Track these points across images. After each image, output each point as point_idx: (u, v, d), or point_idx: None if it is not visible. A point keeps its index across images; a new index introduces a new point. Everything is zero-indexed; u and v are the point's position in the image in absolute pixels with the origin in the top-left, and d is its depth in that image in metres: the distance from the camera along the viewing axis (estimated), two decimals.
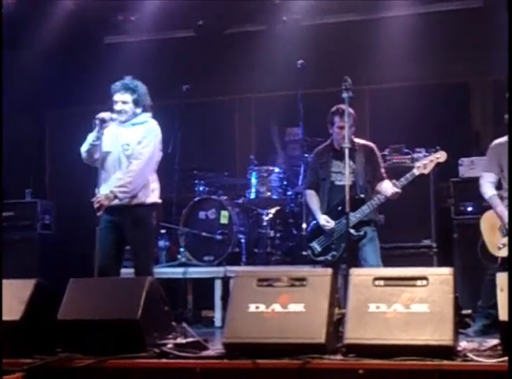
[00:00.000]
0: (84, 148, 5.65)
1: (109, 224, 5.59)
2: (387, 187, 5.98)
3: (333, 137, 6.18)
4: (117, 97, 5.66)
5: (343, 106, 5.81)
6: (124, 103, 5.63)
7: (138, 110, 5.68)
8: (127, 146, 5.58)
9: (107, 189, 5.52)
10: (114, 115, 5.61)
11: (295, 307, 4.15)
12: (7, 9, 8.34)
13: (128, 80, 5.73)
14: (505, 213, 5.75)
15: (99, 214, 5.46)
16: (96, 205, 5.44)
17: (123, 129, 5.66)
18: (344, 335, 4.03)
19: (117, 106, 5.63)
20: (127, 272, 6.05)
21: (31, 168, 6.96)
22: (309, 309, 4.12)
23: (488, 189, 5.91)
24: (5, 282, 4.73)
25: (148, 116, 5.74)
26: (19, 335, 4.40)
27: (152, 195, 5.68)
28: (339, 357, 4.01)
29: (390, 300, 4.02)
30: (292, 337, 4.05)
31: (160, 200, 5.77)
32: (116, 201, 5.50)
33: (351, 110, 5.77)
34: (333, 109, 6.11)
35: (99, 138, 5.52)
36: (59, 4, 8.29)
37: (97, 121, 5.53)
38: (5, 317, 4.44)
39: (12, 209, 7.74)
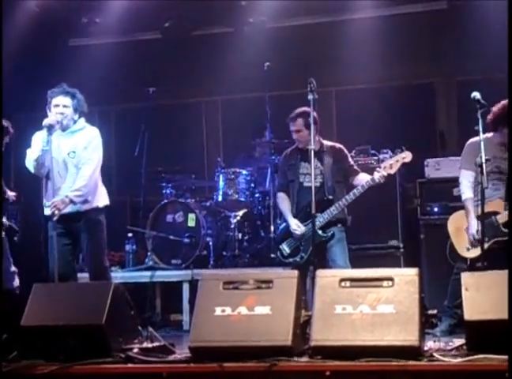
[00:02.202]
0: (33, 157, 5.59)
1: (62, 231, 5.61)
2: (364, 177, 6.01)
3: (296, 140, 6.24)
4: (58, 100, 5.70)
5: (298, 110, 5.99)
6: (65, 106, 5.68)
7: (76, 117, 5.74)
8: (73, 154, 5.63)
9: (55, 196, 5.52)
10: (60, 117, 5.60)
11: (262, 310, 4.13)
12: None
13: (65, 86, 5.78)
14: (472, 223, 5.78)
15: (55, 219, 5.46)
16: (51, 210, 5.45)
17: (64, 138, 5.68)
18: (311, 337, 4.02)
19: (59, 110, 5.66)
20: (84, 276, 6.02)
21: None
22: (275, 312, 4.10)
23: (466, 191, 5.92)
24: None
25: (84, 121, 5.80)
26: None
27: (102, 198, 5.77)
28: (306, 359, 4.00)
29: (356, 301, 4.02)
30: (259, 340, 4.03)
31: (108, 203, 5.82)
32: (68, 209, 5.53)
33: (313, 113, 5.79)
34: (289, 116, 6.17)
35: (48, 144, 5.49)
36: (23, 6, 8.19)
37: (45, 128, 5.51)
38: None
39: None
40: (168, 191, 7.88)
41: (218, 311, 4.18)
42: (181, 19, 8.62)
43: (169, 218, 7.66)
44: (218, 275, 4.71)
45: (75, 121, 5.73)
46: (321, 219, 5.88)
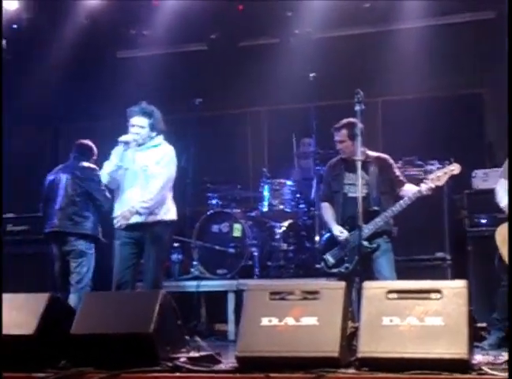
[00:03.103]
0: (107, 171, 5.89)
1: (129, 240, 5.85)
2: (410, 188, 5.97)
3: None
4: (134, 121, 5.90)
5: (342, 121, 6.03)
6: (141, 127, 5.88)
7: (153, 134, 5.94)
8: (145, 167, 5.85)
9: (123, 207, 5.80)
10: (136, 136, 5.84)
11: (308, 320, 4.13)
12: (22, 25, 8.43)
13: (144, 104, 5.95)
14: None
15: (118, 226, 5.76)
16: (118, 220, 5.75)
17: (139, 153, 5.90)
18: (358, 348, 4.00)
19: (134, 130, 5.88)
20: (140, 285, 6.12)
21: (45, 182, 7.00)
22: (322, 323, 4.10)
23: (504, 197, 5.85)
24: (19, 296, 4.76)
25: (161, 139, 6.00)
26: (32, 349, 4.41)
27: (169, 213, 5.95)
28: (352, 370, 3.98)
29: (404, 313, 3.99)
30: (305, 351, 4.03)
31: (176, 218, 6.03)
32: (134, 219, 5.76)
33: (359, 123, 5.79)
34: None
35: (122, 160, 5.79)
36: (73, 19, 8.34)
37: (121, 144, 5.80)
38: (18, 331, 4.46)
39: (26, 223, 7.77)
40: (214, 201, 7.92)
41: (265, 321, 4.18)
42: (227, 31, 8.68)
43: (215, 228, 7.70)
44: (264, 286, 4.72)
45: (152, 138, 5.93)
46: (366, 230, 5.84)
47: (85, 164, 6.78)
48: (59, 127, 9.79)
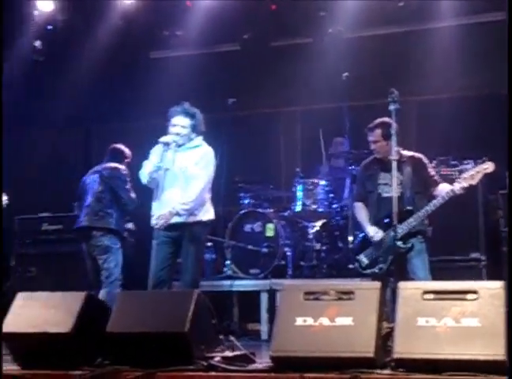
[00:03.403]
0: (146, 171, 5.88)
1: (167, 239, 5.86)
2: (444, 188, 5.93)
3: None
4: (176, 121, 5.91)
5: (376, 121, 6.01)
6: (183, 127, 5.89)
7: (193, 136, 5.96)
8: (185, 169, 5.85)
9: (162, 207, 5.79)
10: (176, 137, 5.84)
11: (343, 321, 4.11)
12: (57, 26, 8.53)
13: (187, 105, 5.98)
14: None
15: (158, 227, 5.76)
16: (158, 221, 5.75)
17: (179, 153, 5.90)
18: (393, 349, 3.97)
19: (175, 129, 5.89)
20: (177, 284, 6.21)
21: (79, 182, 7.08)
22: (357, 323, 4.07)
23: None
24: (55, 294, 4.81)
25: (201, 140, 6.02)
26: (69, 347, 4.45)
27: (208, 213, 5.98)
28: (388, 371, 3.95)
29: (440, 314, 3.96)
30: (340, 351, 4.01)
31: (213, 218, 6.06)
32: (174, 219, 5.77)
33: (393, 123, 5.76)
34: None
35: (162, 160, 5.79)
36: (107, 20, 8.42)
37: (161, 144, 5.81)
38: (55, 330, 4.50)
39: (60, 223, 7.85)
40: (246, 201, 7.94)
41: (299, 321, 4.18)
42: (260, 31, 8.69)
43: (247, 228, 7.72)
44: (299, 286, 4.71)
45: (191, 139, 5.95)
46: (400, 230, 5.80)
47: (112, 165, 6.95)
48: (92, 128, 9.87)
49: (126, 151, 7.09)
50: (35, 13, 8.46)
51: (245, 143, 8.91)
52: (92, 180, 6.95)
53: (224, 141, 7.71)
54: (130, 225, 7.40)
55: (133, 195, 6.78)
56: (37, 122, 8.83)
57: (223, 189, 7.81)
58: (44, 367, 4.43)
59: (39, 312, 4.63)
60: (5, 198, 6.21)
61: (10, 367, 4.58)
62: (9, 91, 8.32)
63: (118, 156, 7.06)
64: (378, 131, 6.02)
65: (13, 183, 7.36)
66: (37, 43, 8.69)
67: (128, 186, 6.79)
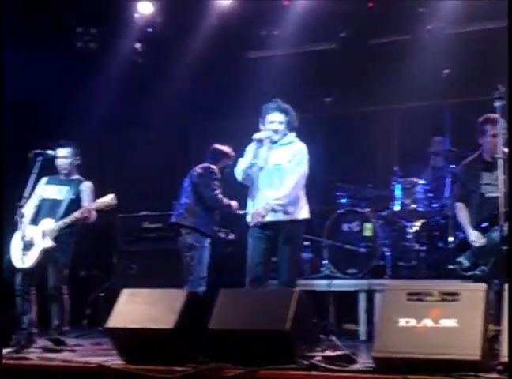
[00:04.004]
0: (240, 168, 5.90)
1: (262, 235, 5.85)
2: None
3: (484, 148, 5.97)
4: (274, 117, 5.90)
5: (493, 115, 5.65)
6: (280, 123, 5.88)
7: (287, 132, 5.94)
8: (278, 165, 5.84)
9: (256, 204, 5.82)
10: (269, 133, 5.82)
11: (448, 322, 4.03)
12: (156, 28, 8.70)
13: (280, 102, 5.96)
14: None
15: (253, 224, 5.77)
16: (254, 218, 5.75)
17: (273, 150, 5.89)
18: (501, 352, 3.87)
19: (273, 126, 5.88)
20: (274, 283, 6.14)
21: (179, 181, 7.21)
22: (462, 325, 3.99)
23: None
24: (157, 291, 4.90)
25: (294, 136, 5.99)
26: (171, 343, 4.53)
27: (303, 211, 5.92)
28: (495, 375, 3.86)
29: None
30: (445, 353, 3.94)
31: (308, 216, 5.99)
32: (269, 217, 5.76)
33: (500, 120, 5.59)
34: (483, 118, 5.92)
35: (256, 157, 5.80)
36: (204, 21, 8.52)
37: (255, 142, 5.82)
38: (157, 326, 4.59)
39: (159, 221, 7.98)
40: (344, 200, 7.90)
41: (402, 322, 4.12)
42: (357, 29, 8.62)
43: (345, 227, 7.66)
44: (401, 286, 4.63)
45: (285, 135, 5.93)
46: (502, 231, 5.63)
47: (204, 165, 7.13)
48: (191, 128, 10.01)
49: (226, 150, 7.18)
50: (136, 15, 8.64)
51: (342, 142, 8.83)
52: (186, 179, 7.17)
53: (320, 140, 7.68)
54: (231, 236, 7.57)
55: (216, 194, 6.92)
56: (138, 123, 9.01)
57: (319, 189, 7.81)
58: (148, 363, 4.51)
59: (142, 308, 4.73)
60: (112, 196, 6.35)
61: (115, 362, 4.70)
62: (112, 92, 8.58)
63: (215, 156, 7.20)
64: (489, 126, 5.80)
65: (115, 182, 7.57)
66: (137, 45, 8.89)
67: (214, 185, 6.94)
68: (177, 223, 7.07)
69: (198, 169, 7.13)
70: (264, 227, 5.83)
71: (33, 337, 6.03)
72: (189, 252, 6.96)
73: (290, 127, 5.95)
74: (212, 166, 7.10)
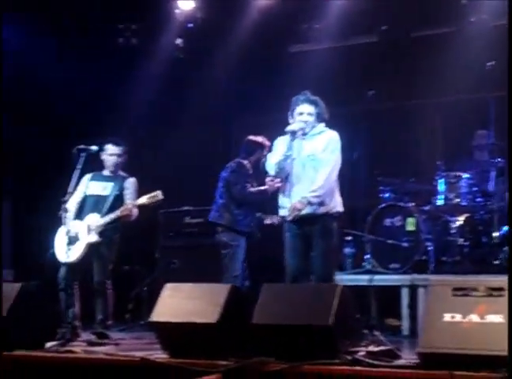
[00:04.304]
0: (274, 161, 5.80)
1: (298, 232, 5.76)
2: None
3: None
4: (303, 109, 5.84)
5: None
6: (309, 114, 5.82)
7: (316, 124, 5.87)
8: (312, 156, 5.76)
9: (292, 198, 5.71)
10: (302, 124, 5.77)
11: (494, 318, 3.99)
12: (197, 23, 8.73)
13: (309, 93, 5.89)
14: None
15: (290, 219, 5.68)
16: (291, 212, 5.64)
17: (305, 142, 5.82)
18: None
19: (303, 118, 5.82)
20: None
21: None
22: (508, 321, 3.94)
23: None
24: (201, 286, 4.92)
25: (323, 126, 5.90)
26: (215, 337, 4.54)
27: (337, 205, 5.84)
28: None
29: None
30: (491, 349, 3.90)
31: (342, 210, 5.88)
32: (305, 210, 5.66)
33: None
34: None
35: (290, 149, 5.71)
36: (245, 15, 8.52)
37: (288, 134, 5.75)
38: (201, 320, 4.62)
39: (201, 216, 8.00)
40: (387, 195, 7.82)
41: (447, 317, 4.09)
42: (398, 21, 8.53)
43: (387, 222, 7.59)
44: (447, 281, 4.58)
45: (314, 126, 5.86)
46: None
47: (235, 160, 7.15)
48: (232, 122, 10.01)
49: (260, 140, 7.15)
50: (177, 11, 8.68)
51: (384, 136, 8.76)
52: (220, 176, 7.21)
53: (363, 134, 7.64)
54: (275, 219, 7.40)
55: (246, 188, 6.91)
56: (180, 118, 9.05)
57: (362, 183, 7.76)
58: (191, 356, 4.54)
59: (185, 302, 4.76)
60: (158, 192, 6.39)
61: (158, 356, 4.73)
62: (154, 88, 8.63)
63: (249, 148, 7.19)
64: None
65: (158, 177, 7.62)
66: (178, 41, 8.92)
67: (244, 181, 6.95)
68: (213, 222, 7.13)
69: (230, 165, 7.16)
70: (300, 222, 5.72)
71: (77, 331, 6.10)
72: (223, 250, 7.02)
73: (320, 119, 5.87)
74: (244, 162, 7.09)
